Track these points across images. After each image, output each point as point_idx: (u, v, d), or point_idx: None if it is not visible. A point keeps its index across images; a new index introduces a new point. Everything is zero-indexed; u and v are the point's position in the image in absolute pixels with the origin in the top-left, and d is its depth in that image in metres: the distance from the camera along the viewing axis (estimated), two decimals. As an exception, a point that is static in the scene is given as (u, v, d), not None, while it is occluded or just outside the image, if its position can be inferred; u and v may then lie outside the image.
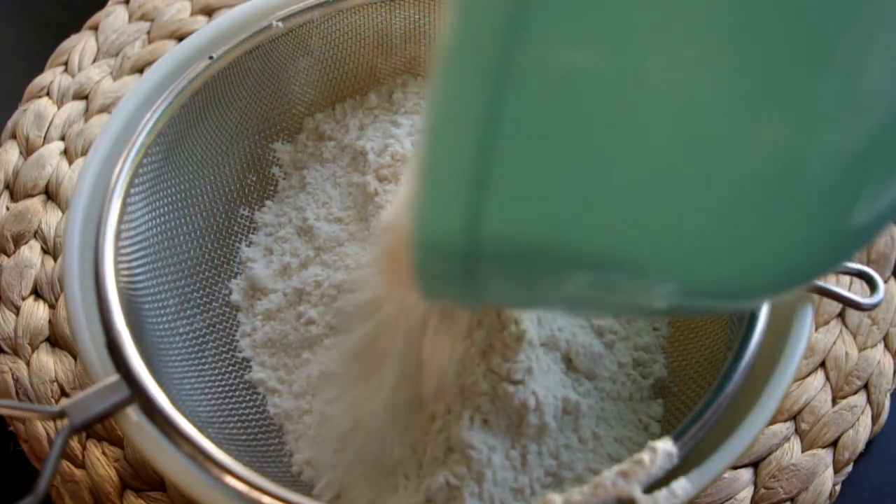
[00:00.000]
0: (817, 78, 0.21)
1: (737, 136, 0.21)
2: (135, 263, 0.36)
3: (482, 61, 0.21)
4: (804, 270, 0.25)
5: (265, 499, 0.30)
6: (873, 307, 0.34)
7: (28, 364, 0.41)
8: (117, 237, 0.35)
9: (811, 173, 0.22)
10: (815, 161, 0.22)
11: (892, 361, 0.41)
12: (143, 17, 0.51)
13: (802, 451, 0.39)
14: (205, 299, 0.40)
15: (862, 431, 0.39)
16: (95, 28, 0.51)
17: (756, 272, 0.24)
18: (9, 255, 0.43)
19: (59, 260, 0.43)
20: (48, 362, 0.41)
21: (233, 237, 0.42)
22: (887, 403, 0.40)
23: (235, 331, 0.40)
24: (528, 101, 0.21)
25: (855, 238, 0.25)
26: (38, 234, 0.44)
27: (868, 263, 0.43)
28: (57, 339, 0.41)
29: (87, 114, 0.48)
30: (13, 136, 0.47)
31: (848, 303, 0.35)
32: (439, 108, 0.21)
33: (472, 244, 0.23)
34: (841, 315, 0.42)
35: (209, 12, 0.51)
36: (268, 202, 0.43)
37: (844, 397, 0.40)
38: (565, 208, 0.23)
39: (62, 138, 0.47)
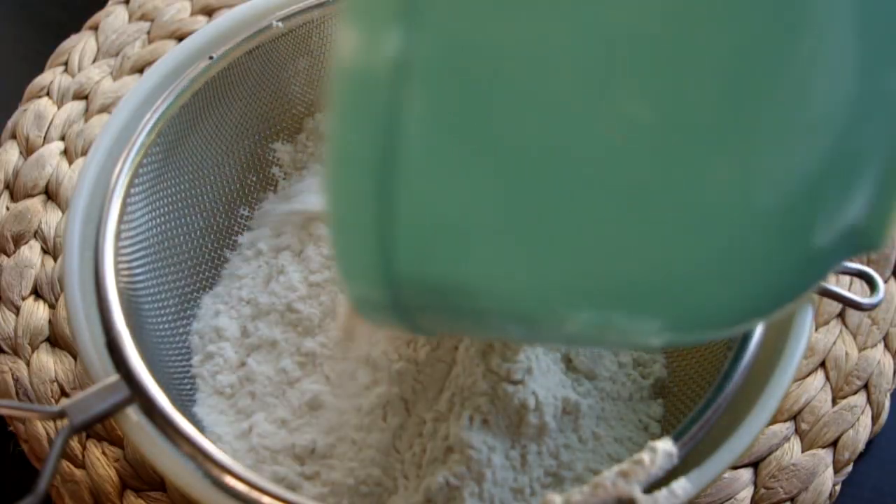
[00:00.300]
0: (759, 111, 0.20)
1: (678, 172, 0.21)
2: (135, 263, 0.36)
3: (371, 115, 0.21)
4: (775, 298, 0.25)
5: (265, 499, 0.30)
6: (873, 307, 0.34)
7: (28, 364, 0.41)
8: (117, 237, 0.35)
9: (763, 204, 0.21)
10: (767, 192, 0.21)
11: (892, 361, 0.41)
12: (143, 17, 0.51)
13: (802, 451, 0.39)
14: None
15: (862, 431, 0.39)
16: (95, 28, 0.51)
17: (717, 305, 0.24)
18: (9, 255, 0.43)
19: (59, 260, 0.43)
20: (48, 362, 0.41)
21: (233, 237, 0.42)
22: (887, 403, 0.40)
23: (235, 331, 0.40)
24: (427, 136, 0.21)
25: (821, 261, 0.24)
26: (38, 234, 0.44)
27: (868, 263, 0.43)
28: (57, 339, 0.41)
29: (87, 114, 0.48)
30: (13, 136, 0.47)
31: (848, 303, 0.34)
32: (335, 150, 0.22)
33: (393, 293, 0.23)
34: (841, 315, 0.42)
35: (209, 12, 0.51)
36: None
37: (844, 397, 0.40)
38: (489, 256, 0.22)
39: (62, 138, 0.47)
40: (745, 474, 0.38)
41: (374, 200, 0.21)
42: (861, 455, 0.39)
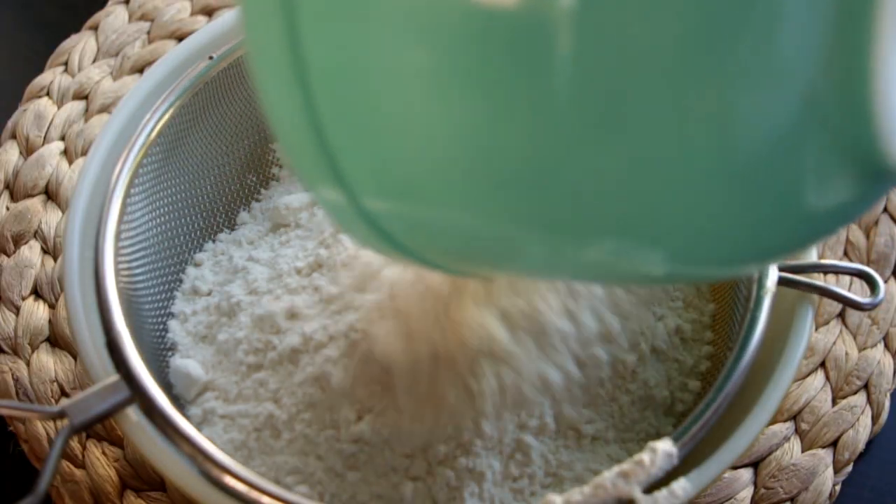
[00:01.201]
0: (731, 51, 0.20)
1: (660, 104, 0.20)
2: (135, 263, 0.36)
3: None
4: (767, 245, 0.24)
5: (265, 499, 0.30)
6: (873, 307, 0.34)
7: (28, 364, 0.41)
8: (117, 237, 0.35)
9: (744, 148, 0.21)
10: (747, 136, 0.21)
11: (892, 361, 0.41)
12: (143, 17, 0.51)
13: (802, 451, 0.39)
14: (205, 299, 0.40)
15: (862, 431, 0.39)
16: (95, 28, 0.51)
17: (712, 246, 0.23)
18: (9, 255, 0.43)
19: (59, 260, 0.43)
20: (48, 362, 0.41)
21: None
22: (887, 403, 0.40)
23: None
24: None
25: (819, 218, 0.24)
26: (38, 234, 0.44)
27: (868, 263, 0.43)
28: (57, 339, 0.41)
29: (87, 114, 0.48)
30: (13, 136, 0.47)
31: (848, 303, 0.35)
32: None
33: (338, 178, 0.24)
34: (841, 315, 0.42)
35: (209, 12, 0.51)
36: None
37: (844, 397, 0.40)
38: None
39: (62, 138, 0.47)
40: (745, 474, 0.38)
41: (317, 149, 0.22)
42: (861, 455, 0.39)
